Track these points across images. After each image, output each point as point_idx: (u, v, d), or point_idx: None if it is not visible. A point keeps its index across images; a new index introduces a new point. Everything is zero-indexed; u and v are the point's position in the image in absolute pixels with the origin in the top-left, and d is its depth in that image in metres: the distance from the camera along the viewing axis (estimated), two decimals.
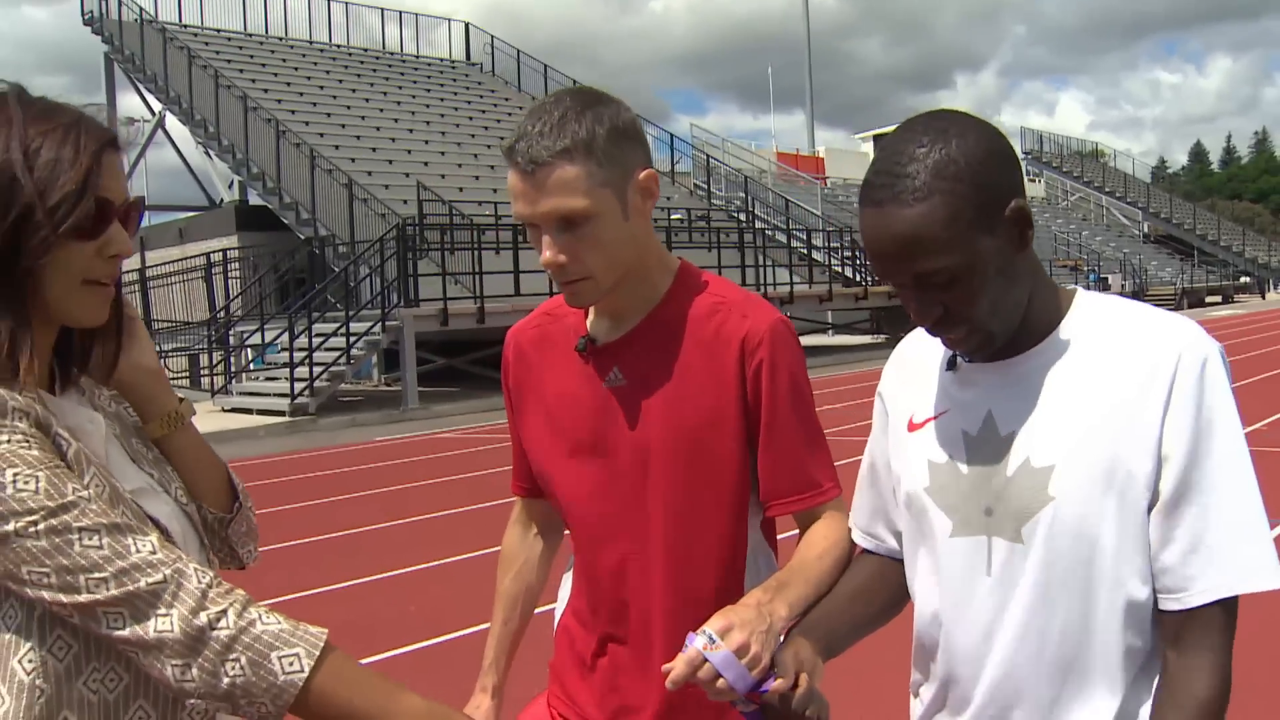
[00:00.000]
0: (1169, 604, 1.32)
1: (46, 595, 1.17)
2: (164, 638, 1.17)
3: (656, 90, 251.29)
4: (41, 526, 1.16)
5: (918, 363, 1.55)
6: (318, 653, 1.22)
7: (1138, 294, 33.38)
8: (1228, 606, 1.31)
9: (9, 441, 1.17)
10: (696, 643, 1.43)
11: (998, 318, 1.34)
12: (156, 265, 24.02)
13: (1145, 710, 1.36)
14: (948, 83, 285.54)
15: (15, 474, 1.16)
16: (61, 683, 1.22)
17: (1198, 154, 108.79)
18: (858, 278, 26.89)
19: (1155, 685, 1.35)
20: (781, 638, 1.51)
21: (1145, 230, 51.65)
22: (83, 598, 1.16)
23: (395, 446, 13.56)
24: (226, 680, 1.18)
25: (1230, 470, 1.30)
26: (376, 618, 5.96)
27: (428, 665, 5.12)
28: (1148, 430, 1.30)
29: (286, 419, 16.15)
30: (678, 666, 1.42)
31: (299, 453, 13.42)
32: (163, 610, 1.18)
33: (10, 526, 1.15)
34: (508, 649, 2.02)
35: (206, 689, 1.19)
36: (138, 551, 1.18)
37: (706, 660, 1.42)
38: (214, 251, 23.54)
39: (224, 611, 1.19)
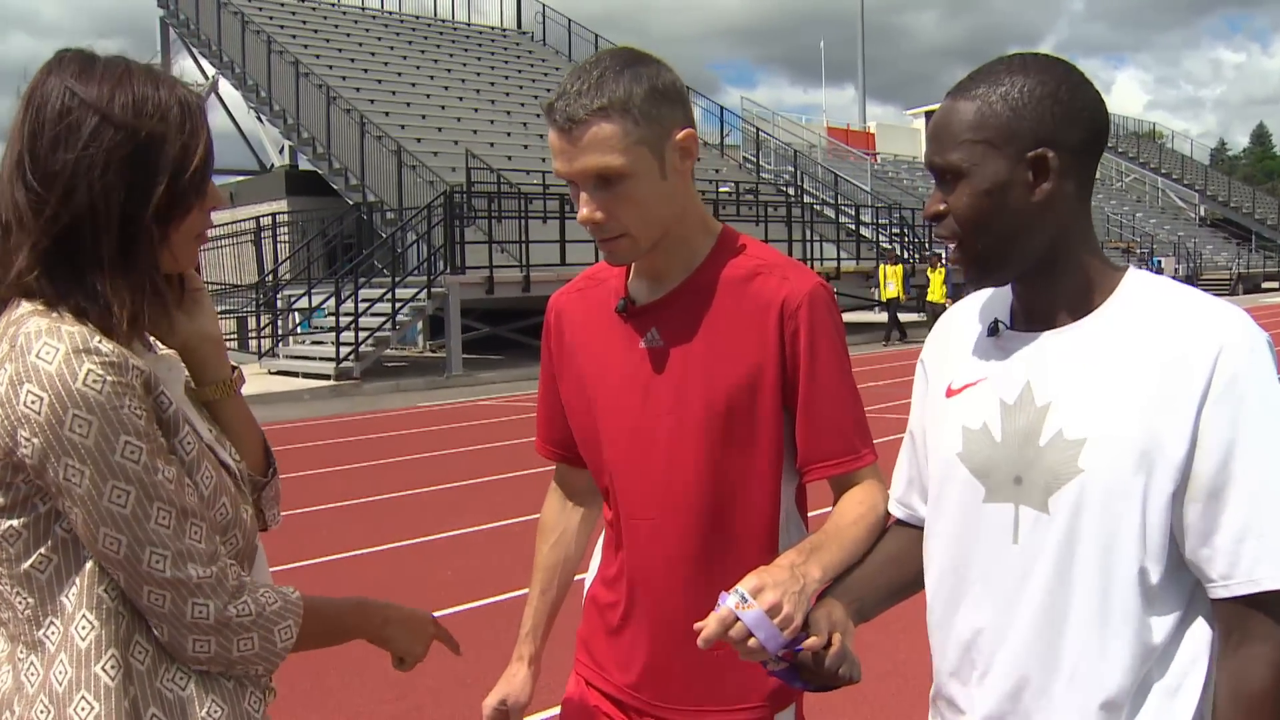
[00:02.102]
0: (1219, 592, 1.30)
1: (111, 556, 1.28)
2: (198, 622, 1.31)
3: (707, 63, 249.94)
4: (132, 496, 1.26)
5: (960, 331, 1.54)
6: (302, 618, 1.41)
7: (1191, 278, 32.85)
8: (1275, 598, 1.28)
9: (125, 408, 1.25)
10: (729, 601, 1.42)
11: (982, 235, 1.39)
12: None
13: (1156, 691, 1.35)
14: None
15: (126, 441, 1.25)
16: (144, 682, 1.31)
17: (1260, 136, 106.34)
18: (905, 255, 26.65)
19: (1171, 668, 1.35)
20: (813, 600, 1.51)
21: (1201, 213, 50.69)
22: (143, 568, 1.28)
23: (438, 413, 13.65)
24: (237, 654, 1.35)
25: (1274, 458, 1.28)
26: (412, 580, 6.01)
27: (461, 630, 5.13)
28: (1185, 415, 1.29)
29: (331, 383, 16.31)
30: (710, 625, 1.42)
31: (342, 416, 13.55)
32: (201, 600, 1.31)
33: (107, 488, 1.25)
34: (545, 618, 2.02)
35: (218, 662, 1.34)
36: (193, 540, 1.30)
37: (739, 619, 1.41)
38: (264, 215, 23.75)
39: (246, 601, 1.35)
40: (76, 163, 1.26)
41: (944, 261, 21.55)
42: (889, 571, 1.62)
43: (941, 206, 1.40)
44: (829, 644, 1.43)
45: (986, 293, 1.55)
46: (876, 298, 24.26)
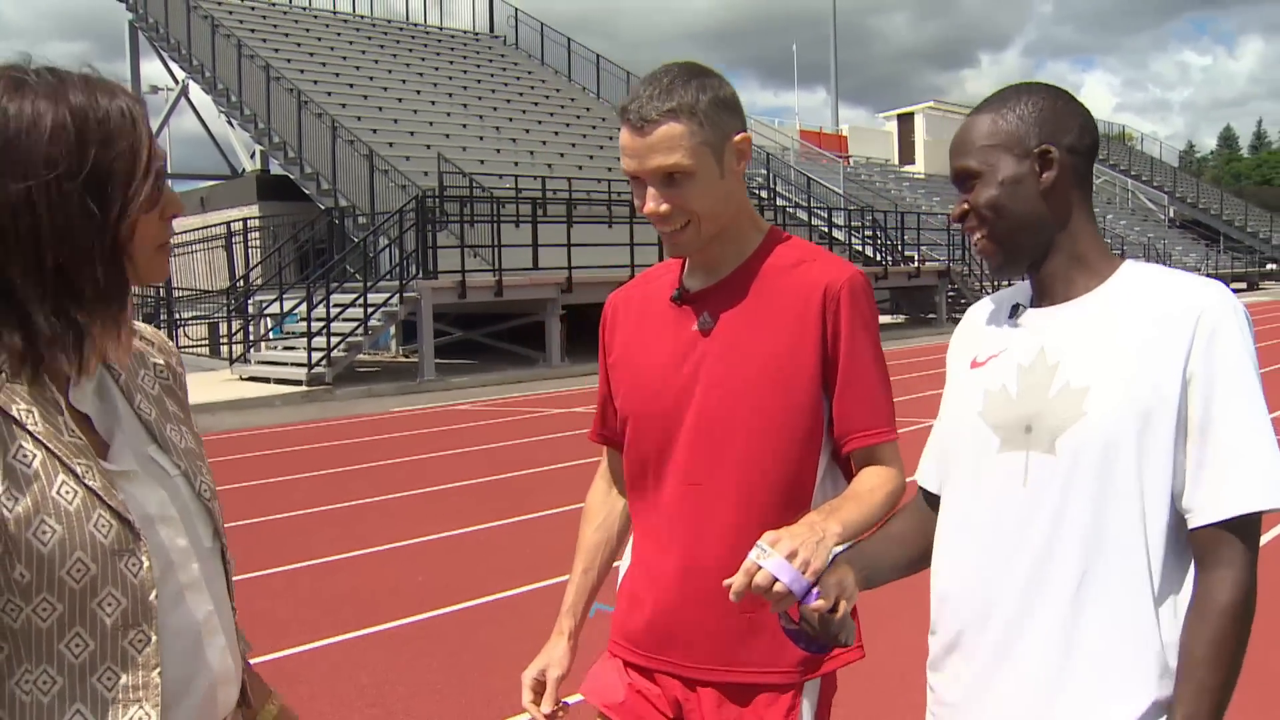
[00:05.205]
0: (1194, 520, 1.48)
1: None
2: None
3: None
4: None
5: (984, 318, 1.77)
6: None
7: None
8: (1247, 523, 1.47)
9: None
10: (751, 555, 1.57)
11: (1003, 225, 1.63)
12: (178, 233, 23.97)
13: (1153, 626, 1.49)
14: (972, 61, 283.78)
15: None
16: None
17: (1227, 139, 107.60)
18: (878, 257, 26.76)
19: (1163, 603, 1.50)
20: (831, 555, 1.64)
21: (1171, 215, 51.18)
22: None
23: (411, 418, 13.60)
24: None
25: (1251, 402, 1.48)
26: (384, 587, 5.97)
27: (435, 636, 5.12)
28: (1174, 364, 1.48)
29: (303, 388, 16.21)
30: (736, 578, 1.56)
31: (315, 422, 13.47)
32: None
33: None
34: (586, 596, 2.14)
35: None
36: None
37: (761, 568, 1.55)
38: (235, 220, 23.60)
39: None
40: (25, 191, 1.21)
41: None
42: (896, 548, 1.79)
43: (965, 206, 1.65)
44: (834, 609, 1.57)
45: (1007, 289, 1.77)
46: None
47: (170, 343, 1.57)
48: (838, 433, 1.88)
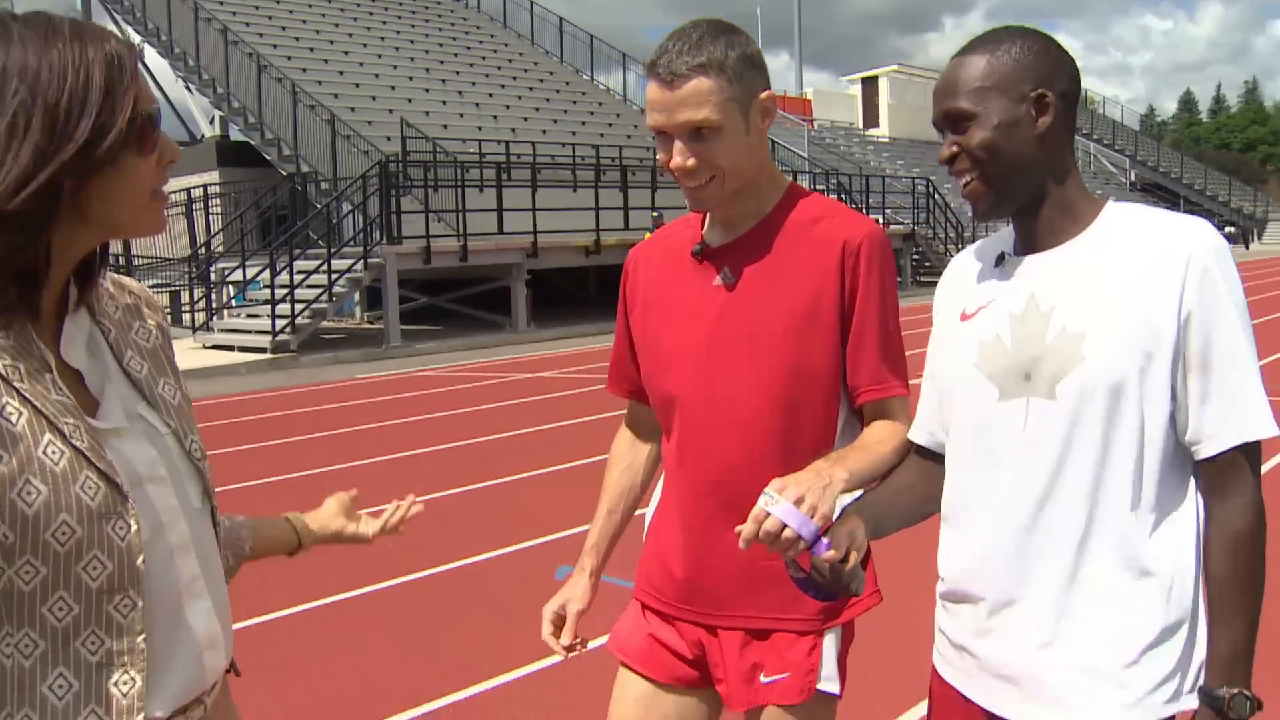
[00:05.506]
0: (1203, 451, 1.54)
1: None
2: None
3: (642, 28, 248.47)
4: None
5: (967, 269, 1.78)
6: None
7: None
8: (1252, 450, 1.54)
9: None
10: (759, 502, 1.59)
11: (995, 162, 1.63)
12: None
13: (1153, 557, 1.55)
14: (936, 25, 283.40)
15: None
16: None
17: (1187, 102, 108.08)
18: None
19: (1163, 534, 1.56)
20: (838, 503, 1.67)
21: (1132, 179, 51.53)
22: None
23: (377, 384, 13.54)
24: None
25: (1245, 335, 1.53)
26: (351, 553, 5.95)
27: (404, 601, 5.13)
28: (1169, 303, 1.52)
29: (268, 356, 16.10)
30: (745, 525, 1.58)
31: (280, 390, 13.39)
32: None
33: None
34: (609, 536, 2.20)
35: None
36: None
37: (769, 514, 1.56)
38: (195, 187, 23.28)
39: None
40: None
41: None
42: (902, 497, 1.82)
43: (955, 149, 1.64)
44: (845, 559, 1.59)
45: (988, 240, 1.78)
46: None
47: (156, 299, 1.53)
48: (850, 385, 1.91)
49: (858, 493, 1.78)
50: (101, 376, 1.33)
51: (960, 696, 1.72)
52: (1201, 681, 1.55)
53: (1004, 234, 1.75)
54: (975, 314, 1.70)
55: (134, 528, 1.25)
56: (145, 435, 1.34)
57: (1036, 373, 1.59)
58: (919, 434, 1.85)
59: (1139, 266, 1.55)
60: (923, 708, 1.82)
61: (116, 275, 1.46)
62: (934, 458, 1.81)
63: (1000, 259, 1.71)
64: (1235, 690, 1.50)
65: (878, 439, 1.88)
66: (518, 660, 4.28)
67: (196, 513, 1.38)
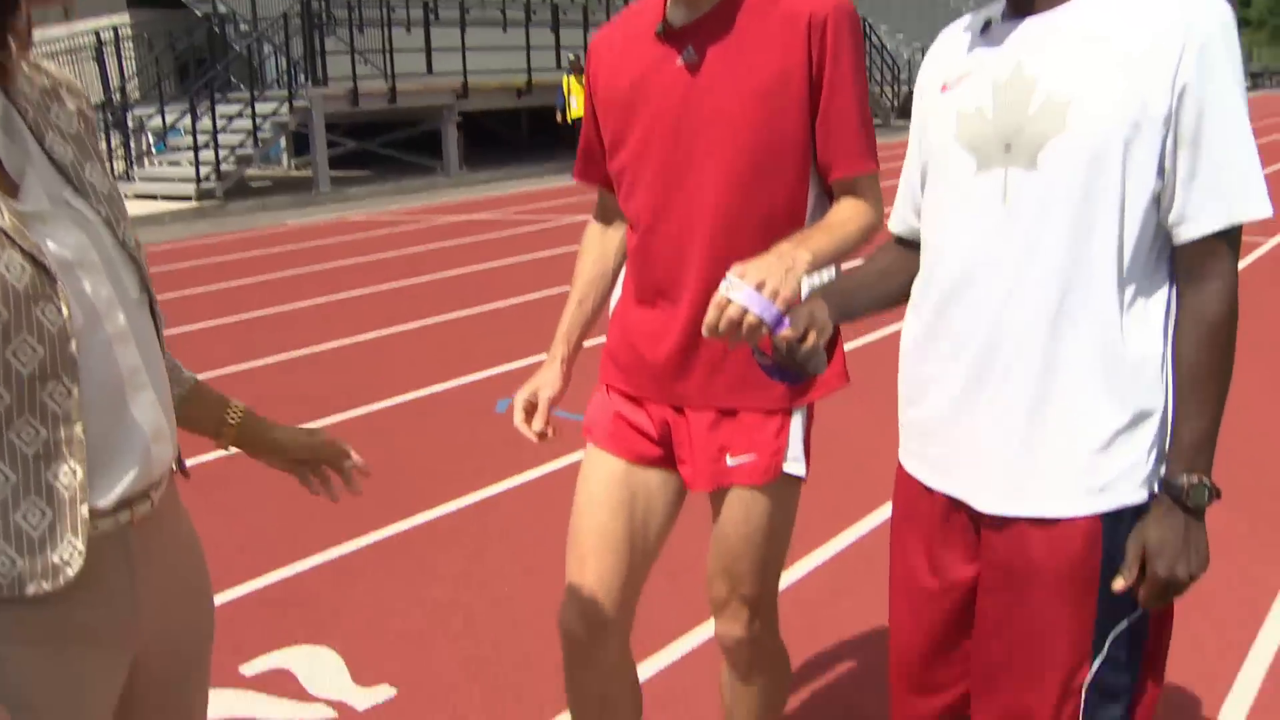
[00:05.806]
0: (1185, 233, 1.48)
1: None
2: None
3: None
4: None
5: (952, 43, 1.70)
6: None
7: None
8: (1232, 236, 1.48)
9: None
10: (720, 289, 1.57)
11: None
12: (42, 45, 22.68)
13: (1128, 341, 1.50)
14: None
15: None
16: None
17: None
18: None
19: (1136, 317, 1.51)
20: (807, 287, 1.64)
21: None
22: None
23: (308, 229, 13.32)
24: None
25: (1241, 114, 1.46)
26: (283, 396, 5.99)
27: (345, 435, 5.18)
28: (1164, 75, 1.44)
29: (193, 204, 15.71)
30: (709, 313, 1.57)
31: (208, 237, 13.13)
32: None
33: None
34: (580, 325, 2.21)
35: None
36: None
37: (731, 300, 1.54)
38: (104, 29, 22.22)
39: None
40: None
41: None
42: (878, 282, 1.78)
43: None
44: (804, 338, 1.57)
45: (974, 12, 1.69)
46: (560, 119, 19.52)
47: (79, 84, 1.43)
48: (820, 162, 1.89)
49: (829, 274, 1.77)
50: (21, 159, 1.25)
51: (924, 488, 1.70)
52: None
53: (994, 6, 1.65)
54: (958, 83, 1.62)
55: (65, 312, 1.19)
56: (73, 220, 1.27)
57: (1017, 142, 1.51)
58: (896, 224, 1.80)
59: (1135, 35, 1.46)
60: (888, 509, 1.83)
61: (32, 59, 1.36)
62: (912, 246, 1.75)
63: (987, 25, 1.62)
64: (1195, 478, 1.47)
65: (843, 219, 1.85)
66: (460, 490, 4.42)
67: (134, 303, 1.32)
